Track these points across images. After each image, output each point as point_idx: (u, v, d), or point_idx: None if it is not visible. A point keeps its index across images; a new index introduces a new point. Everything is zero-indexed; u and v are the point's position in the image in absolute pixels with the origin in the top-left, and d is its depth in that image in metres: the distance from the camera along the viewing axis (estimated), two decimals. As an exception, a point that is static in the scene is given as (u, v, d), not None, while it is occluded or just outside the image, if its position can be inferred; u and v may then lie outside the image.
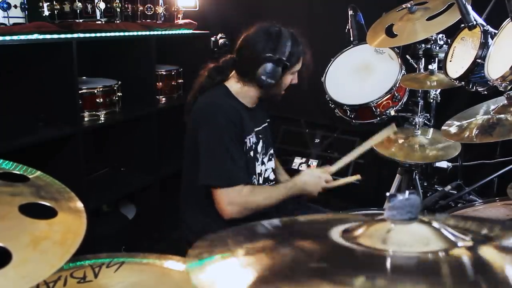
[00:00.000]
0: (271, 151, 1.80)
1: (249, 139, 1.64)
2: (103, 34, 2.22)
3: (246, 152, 1.63)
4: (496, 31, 1.47)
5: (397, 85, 2.09)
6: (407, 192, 0.53)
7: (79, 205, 0.56)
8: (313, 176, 1.68)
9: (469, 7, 1.57)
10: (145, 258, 0.88)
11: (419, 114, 2.18)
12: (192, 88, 1.71)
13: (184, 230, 1.71)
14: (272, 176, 1.78)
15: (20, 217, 0.49)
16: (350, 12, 2.40)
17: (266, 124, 1.79)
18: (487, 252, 0.50)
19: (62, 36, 2.04)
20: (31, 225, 0.49)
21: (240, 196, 1.53)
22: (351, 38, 2.39)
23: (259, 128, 1.72)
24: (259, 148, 1.70)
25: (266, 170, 1.75)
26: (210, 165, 1.54)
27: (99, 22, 2.24)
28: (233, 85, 1.66)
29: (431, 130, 2.19)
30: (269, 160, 1.77)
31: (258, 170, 1.69)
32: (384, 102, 2.11)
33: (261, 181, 1.71)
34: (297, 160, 2.88)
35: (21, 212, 0.50)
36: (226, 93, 1.64)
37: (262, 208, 1.57)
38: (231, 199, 1.52)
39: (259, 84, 1.60)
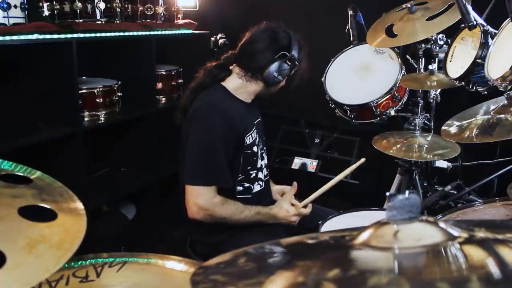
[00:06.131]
0: (265, 148, 1.80)
1: (251, 135, 1.65)
2: (103, 34, 2.22)
3: (248, 147, 1.63)
4: (496, 31, 1.47)
5: (397, 85, 2.09)
6: (407, 191, 0.54)
7: (80, 208, 0.55)
8: (281, 209, 1.66)
9: (469, 7, 1.56)
10: (148, 258, 0.88)
11: (419, 114, 2.17)
12: (188, 87, 1.70)
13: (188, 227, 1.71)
14: (265, 172, 1.76)
15: (18, 220, 0.49)
16: (350, 12, 2.39)
17: (260, 119, 1.79)
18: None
19: (62, 36, 2.03)
20: (29, 228, 0.48)
21: (208, 202, 1.52)
22: (351, 38, 2.38)
23: (257, 121, 1.72)
24: (261, 143, 1.71)
25: (265, 164, 1.75)
26: (192, 163, 1.55)
27: (99, 22, 2.24)
28: (232, 81, 1.65)
29: (431, 135, 2.18)
30: (266, 155, 1.78)
31: (258, 165, 1.69)
32: (384, 102, 2.11)
33: (260, 176, 1.71)
34: (297, 160, 2.87)
35: (20, 214, 0.49)
36: (224, 93, 1.64)
37: (229, 222, 1.57)
38: (199, 200, 1.51)
39: (265, 80, 1.62)
